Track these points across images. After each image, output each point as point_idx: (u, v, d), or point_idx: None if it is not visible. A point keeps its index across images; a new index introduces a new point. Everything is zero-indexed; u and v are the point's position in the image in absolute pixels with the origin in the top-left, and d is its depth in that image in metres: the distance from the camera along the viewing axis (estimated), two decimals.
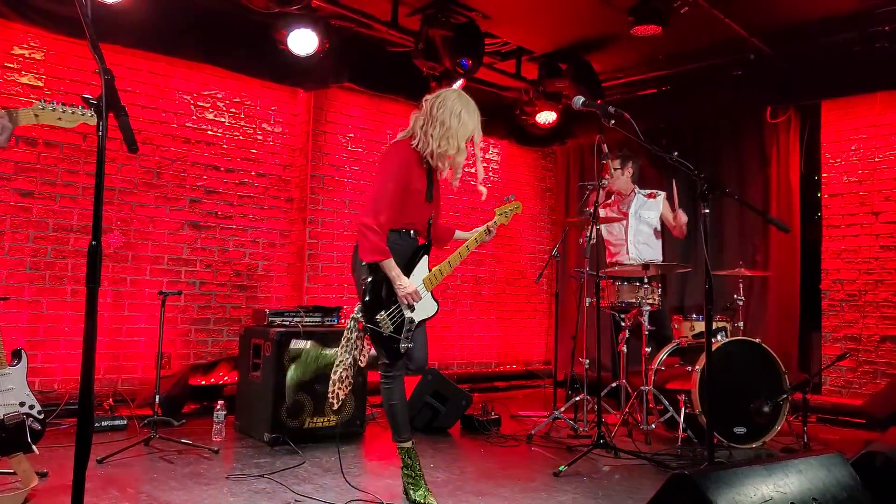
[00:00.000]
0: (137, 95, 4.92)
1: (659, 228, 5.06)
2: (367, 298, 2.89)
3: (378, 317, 2.89)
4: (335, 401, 2.98)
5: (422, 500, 2.90)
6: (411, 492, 2.94)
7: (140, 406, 4.49)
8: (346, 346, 2.99)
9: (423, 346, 3.09)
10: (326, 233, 5.69)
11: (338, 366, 3.00)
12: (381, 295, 2.90)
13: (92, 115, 2.30)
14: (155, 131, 5.00)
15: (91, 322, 1.75)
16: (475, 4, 5.01)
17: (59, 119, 2.34)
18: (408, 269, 2.96)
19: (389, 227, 2.91)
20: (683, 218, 4.90)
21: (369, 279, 2.90)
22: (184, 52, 4.88)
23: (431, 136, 2.92)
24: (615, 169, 5.00)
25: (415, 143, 2.96)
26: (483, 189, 3.27)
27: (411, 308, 2.94)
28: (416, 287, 2.94)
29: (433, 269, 3.04)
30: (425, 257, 3.04)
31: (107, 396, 4.57)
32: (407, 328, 2.93)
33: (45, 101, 2.35)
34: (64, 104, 2.35)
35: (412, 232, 3.04)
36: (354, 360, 3.00)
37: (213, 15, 4.83)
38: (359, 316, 2.94)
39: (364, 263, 2.90)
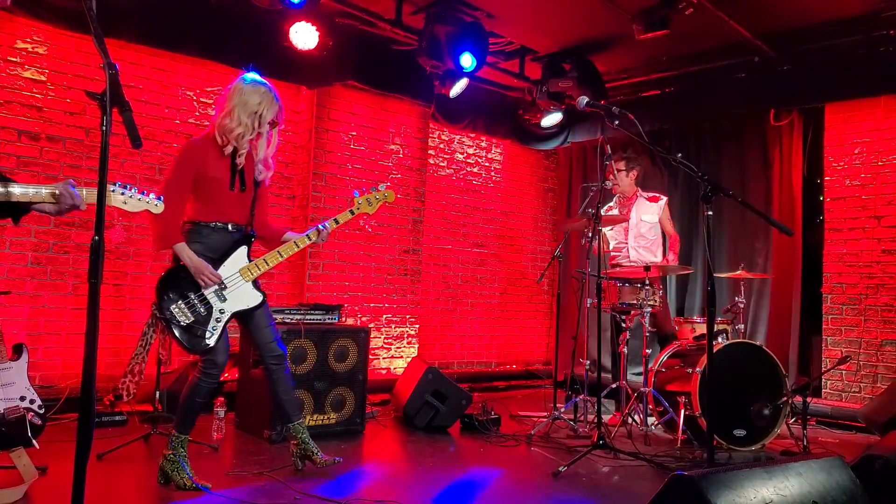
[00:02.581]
0: (140, 91, 4.92)
1: (660, 235, 5.06)
2: (161, 289, 2.87)
3: (173, 307, 2.85)
4: (125, 394, 2.90)
5: (190, 483, 2.89)
6: (178, 475, 2.91)
7: (140, 402, 4.49)
8: (142, 340, 2.96)
9: (265, 336, 3.09)
10: None
11: (133, 359, 2.98)
12: (177, 285, 2.88)
13: (157, 204, 2.25)
14: (158, 127, 5.00)
15: (93, 317, 1.75)
16: (480, 3, 5.01)
17: (125, 203, 2.24)
18: (221, 259, 2.98)
19: (196, 219, 2.96)
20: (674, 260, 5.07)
21: (168, 269, 2.93)
22: (187, 48, 4.87)
23: (219, 117, 3.00)
24: (619, 171, 4.99)
25: (210, 131, 3.04)
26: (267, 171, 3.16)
27: (222, 298, 2.93)
28: (221, 274, 2.93)
29: (255, 259, 3.04)
30: (244, 248, 3.04)
31: (107, 392, 4.56)
32: (216, 318, 2.91)
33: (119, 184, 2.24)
34: (136, 190, 2.25)
35: (230, 225, 3.03)
36: (145, 352, 2.96)
37: (217, 11, 4.83)
38: (155, 309, 2.93)
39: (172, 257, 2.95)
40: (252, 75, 3.14)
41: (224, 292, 2.94)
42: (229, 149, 3.01)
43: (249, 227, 3.12)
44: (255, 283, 3.06)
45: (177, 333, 2.86)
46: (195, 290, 2.90)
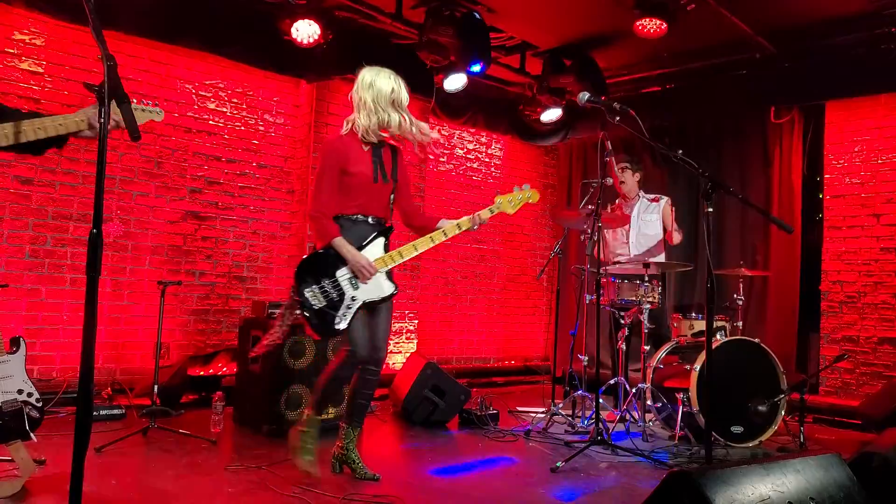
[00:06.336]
0: (139, 84, 4.90)
1: (661, 233, 5.04)
2: (299, 272, 2.98)
3: (307, 291, 2.95)
4: (270, 341, 3.06)
5: (304, 466, 3.01)
6: (299, 453, 3.05)
7: (138, 396, 4.49)
8: (283, 321, 3.05)
9: (376, 335, 3.08)
10: None
11: (273, 332, 3.07)
12: (314, 269, 2.98)
13: (159, 112, 2.26)
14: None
15: (91, 311, 1.74)
16: None
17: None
18: (359, 249, 3.01)
19: (337, 213, 3.03)
20: (679, 237, 4.98)
21: (307, 255, 3.02)
22: (186, 41, 4.85)
23: (359, 116, 3.07)
24: (625, 170, 4.97)
25: (348, 127, 3.10)
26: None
27: (355, 286, 2.97)
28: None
29: (393, 250, 3.06)
30: (381, 239, 3.08)
31: (105, 385, 4.57)
32: (347, 305, 2.96)
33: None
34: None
35: (371, 218, 3.08)
36: (282, 330, 3.06)
37: (217, 3, 4.81)
38: (293, 292, 3.00)
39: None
40: (369, 67, 3.19)
41: (357, 280, 2.99)
42: (377, 141, 3.08)
43: (389, 221, 3.17)
44: (389, 275, 3.08)
45: (308, 316, 2.95)
46: (329, 276, 2.98)
